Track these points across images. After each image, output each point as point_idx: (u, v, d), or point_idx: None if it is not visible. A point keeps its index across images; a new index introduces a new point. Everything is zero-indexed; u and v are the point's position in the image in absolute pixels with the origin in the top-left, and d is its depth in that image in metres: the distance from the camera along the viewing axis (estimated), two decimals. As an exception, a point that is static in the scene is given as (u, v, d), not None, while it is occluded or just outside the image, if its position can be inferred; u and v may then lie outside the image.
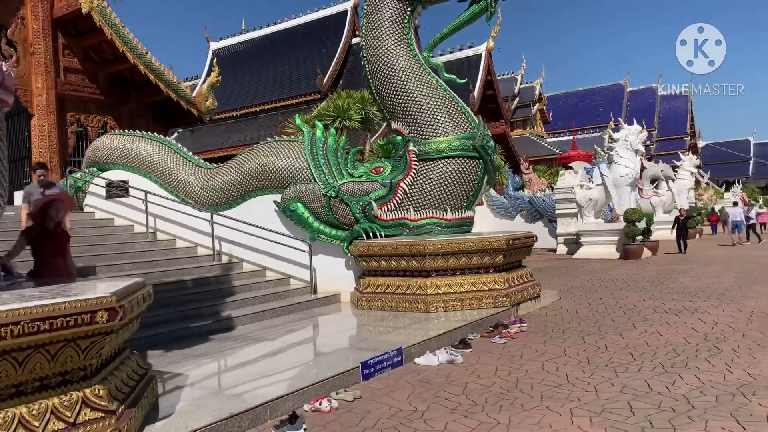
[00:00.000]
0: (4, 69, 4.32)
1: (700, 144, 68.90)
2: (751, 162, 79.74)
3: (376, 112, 18.60)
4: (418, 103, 9.54)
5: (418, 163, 9.49)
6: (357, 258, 9.37)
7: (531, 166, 32.33)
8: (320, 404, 4.70)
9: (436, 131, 9.43)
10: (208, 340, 7.19)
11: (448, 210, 9.49)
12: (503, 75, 45.67)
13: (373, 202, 9.55)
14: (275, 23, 40.10)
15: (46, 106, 15.15)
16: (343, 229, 9.83)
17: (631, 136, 21.26)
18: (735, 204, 25.62)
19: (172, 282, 8.83)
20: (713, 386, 4.85)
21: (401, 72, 9.63)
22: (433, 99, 9.54)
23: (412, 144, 9.57)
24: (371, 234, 9.46)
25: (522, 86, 47.54)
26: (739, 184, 54.26)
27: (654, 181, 29.32)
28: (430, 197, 9.45)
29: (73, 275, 6.01)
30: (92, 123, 16.39)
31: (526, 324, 7.68)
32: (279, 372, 5.83)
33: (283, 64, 36.50)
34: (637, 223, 17.51)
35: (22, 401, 3.32)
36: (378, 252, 8.89)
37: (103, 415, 3.54)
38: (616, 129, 22.72)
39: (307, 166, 10.08)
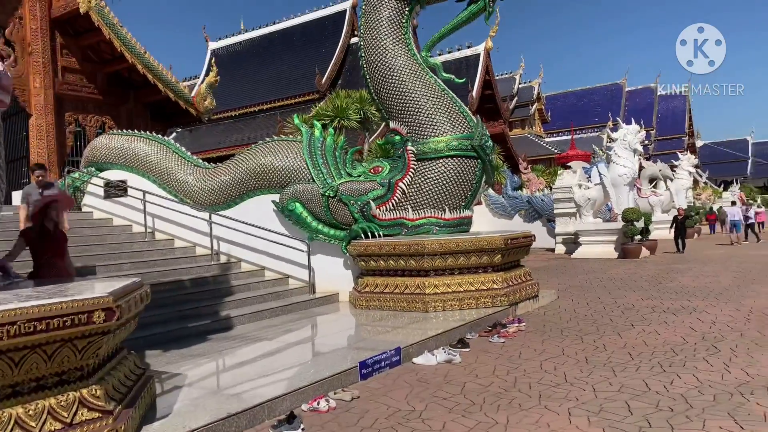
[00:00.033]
0: (1, 69, 4.31)
1: (699, 143, 68.99)
2: (750, 161, 79.90)
3: (374, 111, 18.58)
4: (416, 102, 9.53)
5: (416, 163, 9.48)
6: (355, 258, 9.37)
7: (529, 166, 32.37)
8: (318, 404, 4.70)
9: (434, 131, 9.42)
10: (207, 339, 7.18)
11: (447, 210, 9.49)
12: (502, 75, 45.71)
13: (371, 201, 9.55)
14: (274, 23, 40.12)
15: (44, 105, 15.13)
16: (342, 229, 9.83)
17: (629, 135, 21.30)
18: (733, 203, 25.67)
19: (170, 282, 8.82)
20: (711, 385, 4.85)
21: (400, 72, 9.63)
22: (431, 99, 9.53)
23: (410, 144, 9.57)
24: (369, 234, 9.45)
25: (520, 86, 47.59)
26: (737, 183, 54.34)
27: (652, 180, 29.36)
28: (428, 197, 9.44)
29: (72, 275, 6.00)
30: (90, 123, 16.36)
31: (524, 323, 7.68)
32: (277, 372, 5.82)
33: (282, 64, 36.50)
34: (635, 223, 17.52)
35: (19, 401, 3.31)
36: (376, 252, 8.89)
37: (100, 415, 3.54)
38: (615, 129, 22.77)
39: (305, 165, 10.07)
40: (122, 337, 4.13)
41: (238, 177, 10.63)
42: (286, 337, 7.43)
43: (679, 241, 19.05)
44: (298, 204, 9.93)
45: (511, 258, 9.19)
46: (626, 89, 62.92)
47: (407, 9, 9.83)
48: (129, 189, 11.35)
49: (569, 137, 40.69)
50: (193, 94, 16.96)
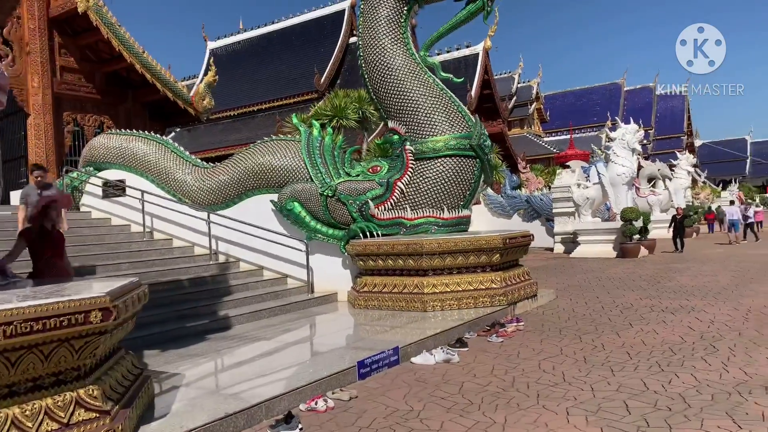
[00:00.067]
0: (-3, 68, 4.29)
1: (697, 143, 69.06)
2: (748, 161, 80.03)
3: (373, 111, 18.58)
4: (414, 102, 9.53)
5: (414, 163, 9.47)
6: (354, 257, 9.36)
7: (528, 165, 32.37)
8: (316, 404, 4.69)
9: (432, 130, 9.42)
10: (205, 339, 7.18)
11: (445, 209, 9.48)
12: (501, 74, 45.73)
13: (369, 201, 9.54)
14: (273, 23, 40.08)
15: (43, 105, 15.10)
16: (340, 229, 9.82)
17: (628, 135, 21.28)
18: (732, 203, 25.67)
19: (168, 281, 8.81)
20: (709, 385, 4.85)
21: (398, 71, 9.62)
22: (429, 98, 9.53)
23: (408, 143, 9.56)
24: (368, 233, 9.45)
25: (519, 85, 47.62)
26: (735, 182, 54.42)
27: (651, 180, 29.35)
28: (426, 196, 9.44)
29: (71, 275, 6.00)
30: (89, 122, 16.34)
31: (522, 323, 7.68)
32: (275, 371, 5.81)
33: (281, 64, 36.47)
34: (634, 222, 17.52)
35: (15, 402, 3.30)
36: (375, 251, 8.89)
37: (98, 415, 3.53)
38: (613, 128, 22.74)
39: (304, 165, 10.07)
40: (120, 337, 4.12)
41: (236, 176, 10.62)
42: (284, 336, 7.42)
43: (678, 240, 19.05)
44: (296, 203, 9.92)
45: (510, 257, 9.18)
46: (625, 89, 62.95)
47: (406, 8, 9.83)
48: (127, 189, 11.34)
49: (568, 137, 40.66)
50: (191, 94, 16.94)
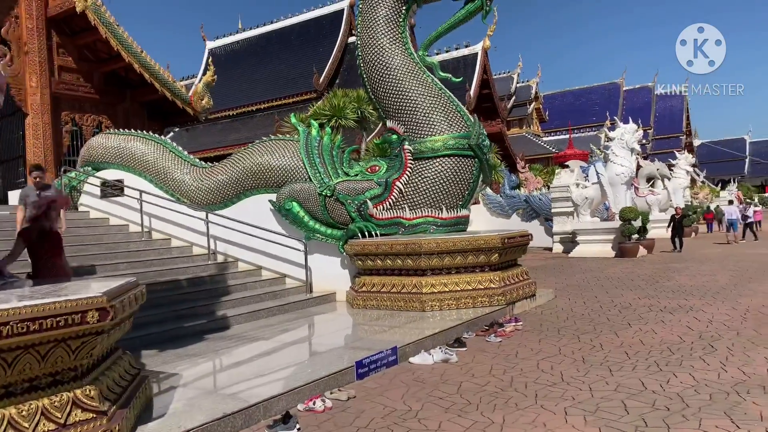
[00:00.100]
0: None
1: (696, 143, 69.09)
2: (747, 160, 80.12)
3: (371, 111, 18.58)
4: (413, 101, 9.52)
5: (413, 162, 9.47)
6: (352, 257, 9.35)
7: (527, 165, 32.35)
8: (314, 404, 4.69)
9: (431, 130, 9.41)
10: (203, 339, 7.17)
11: (444, 209, 9.48)
12: (500, 74, 45.76)
13: (368, 201, 9.54)
14: (272, 22, 40.05)
15: (41, 105, 15.07)
16: (339, 228, 9.81)
17: (626, 134, 21.26)
18: (730, 202, 25.67)
19: (166, 281, 8.81)
20: (708, 385, 4.84)
21: (396, 70, 9.61)
22: (428, 98, 9.52)
23: (407, 143, 9.56)
24: (366, 233, 9.44)
25: (518, 85, 47.64)
26: (734, 182, 54.41)
27: (650, 179, 29.34)
28: (425, 196, 9.43)
29: (70, 275, 6.00)
30: (87, 122, 16.31)
31: (521, 323, 7.68)
32: (273, 371, 5.81)
33: (280, 63, 36.45)
34: (632, 222, 17.52)
35: (12, 402, 3.30)
36: (373, 251, 8.88)
37: (95, 415, 3.52)
38: (612, 128, 22.71)
39: (302, 165, 10.06)
40: (117, 337, 4.11)
41: (235, 176, 10.61)
42: (282, 336, 7.42)
43: (677, 240, 19.06)
44: (295, 203, 9.91)
45: (509, 257, 9.18)
46: (624, 88, 62.97)
47: (404, 8, 9.82)
48: (125, 188, 11.33)
49: (567, 136, 40.75)
50: (190, 94, 16.91)
